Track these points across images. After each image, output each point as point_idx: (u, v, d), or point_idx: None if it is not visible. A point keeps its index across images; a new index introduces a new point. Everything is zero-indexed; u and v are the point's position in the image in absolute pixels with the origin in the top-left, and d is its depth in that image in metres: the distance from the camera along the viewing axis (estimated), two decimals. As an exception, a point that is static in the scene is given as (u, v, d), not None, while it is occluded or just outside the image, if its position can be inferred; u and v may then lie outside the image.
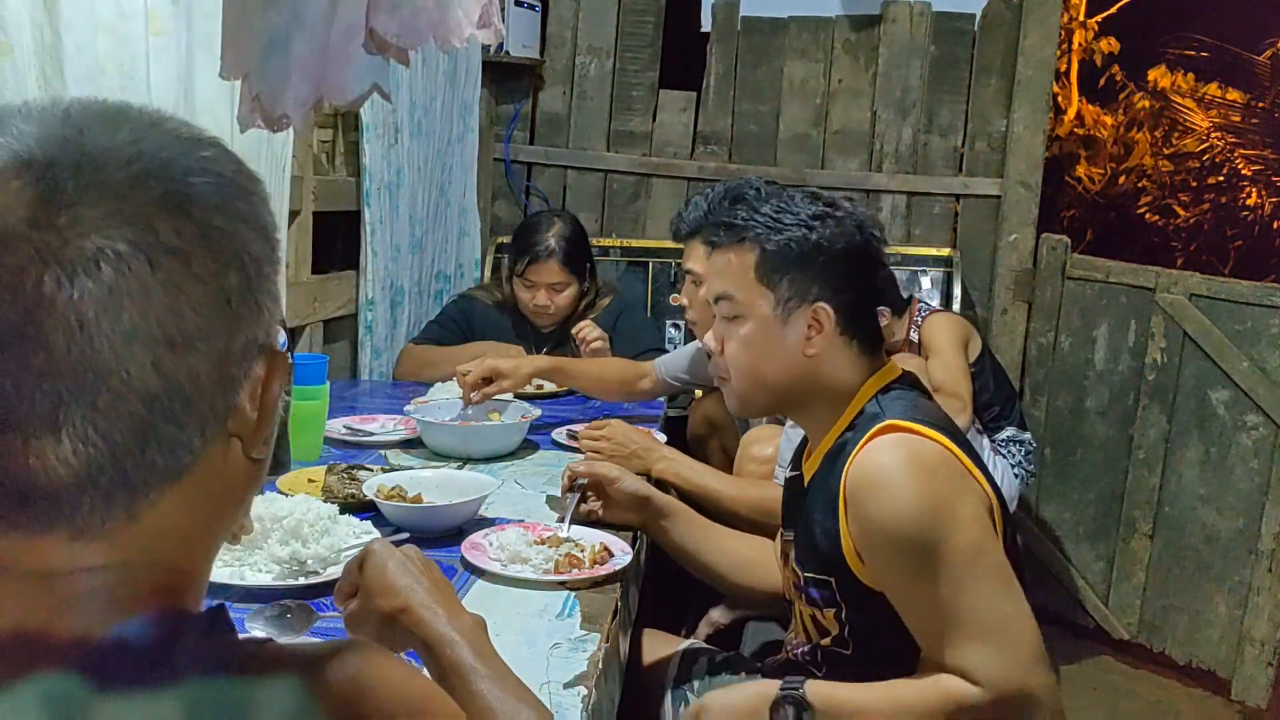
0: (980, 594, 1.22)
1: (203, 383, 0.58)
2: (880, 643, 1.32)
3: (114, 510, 0.57)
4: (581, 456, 1.95)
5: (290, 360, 0.65)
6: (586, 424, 2.08)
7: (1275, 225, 6.82)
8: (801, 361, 1.36)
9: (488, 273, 3.56)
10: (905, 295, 3.10)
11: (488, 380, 2.14)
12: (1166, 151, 7.19)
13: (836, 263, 1.35)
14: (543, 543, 1.48)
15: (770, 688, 1.27)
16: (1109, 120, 7.37)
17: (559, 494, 1.77)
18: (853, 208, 1.42)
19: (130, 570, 0.59)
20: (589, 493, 1.63)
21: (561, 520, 1.57)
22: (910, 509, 1.22)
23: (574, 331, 2.60)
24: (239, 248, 0.59)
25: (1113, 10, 7.39)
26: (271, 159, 2.23)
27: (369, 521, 1.49)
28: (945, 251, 3.54)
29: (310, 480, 1.71)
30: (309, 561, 1.34)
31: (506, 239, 3.30)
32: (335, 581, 1.00)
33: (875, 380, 1.37)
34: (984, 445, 2.93)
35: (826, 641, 1.37)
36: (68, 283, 0.53)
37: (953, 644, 1.22)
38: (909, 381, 1.40)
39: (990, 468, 2.86)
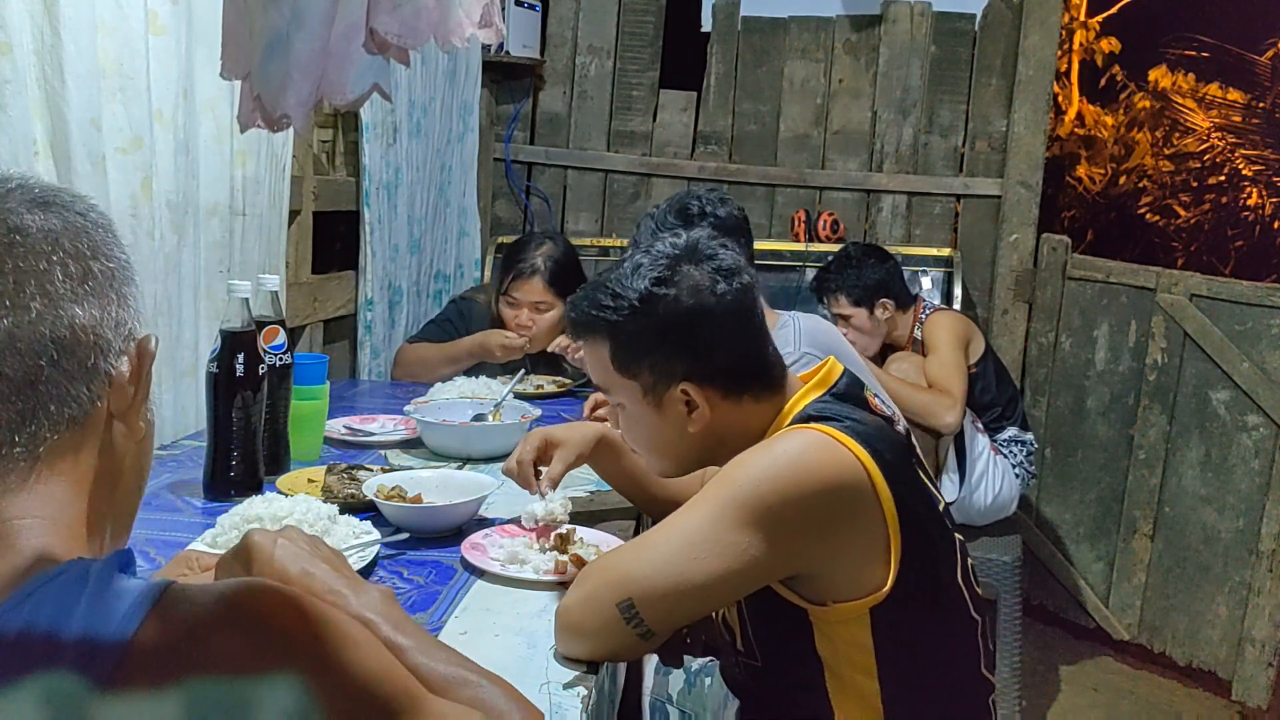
0: (679, 528, 1.18)
1: (80, 337, 0.70)
2: (786, 653, 1.27)
3: (19, 445, 0.68)
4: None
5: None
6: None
7: (1276, 225, 6.82)
8: (690, 436, 1.28)
9: (487, 273, 3.55)
10: (910, 293, 3.10)
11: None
12: (1167, 152, 7.19)
13: (690, 334, 1.24)
14: (549, 546, 1.48)
15: None
16: (1109, 120, 7.37)
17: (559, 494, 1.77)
18: (703, 249, 1.28)
19: (47, 524, 0.69)
20: (543, 460, 1.59)
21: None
22: (749, 459, 1.18)
23: (555, 347, 2.54)
24: (99, 245, 0.73)
25: (1113, 10, 7.39)
26: (271, 159, 2.23)
27: (369, 521, 1.49)
28: (946, 251, 3.54)
29: (310, 480, 1.71)
30: (309, 561, 1.34)
31: (506, 239, 3.30)
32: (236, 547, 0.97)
33: (789, 408, 1.28)
34: (985, 445, 2.93)
35: (741, 648, 1.34)
36: None
37: (622, 550, 1.25)
38: (840, 391, 1.29)
39: (991, 468, 2.90)
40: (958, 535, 1.29)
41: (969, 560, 1.29)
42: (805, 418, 1.24)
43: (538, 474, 1.58)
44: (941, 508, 1.29)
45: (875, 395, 1.34)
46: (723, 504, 1.16)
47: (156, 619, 0.62)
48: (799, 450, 1.17)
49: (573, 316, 1.32)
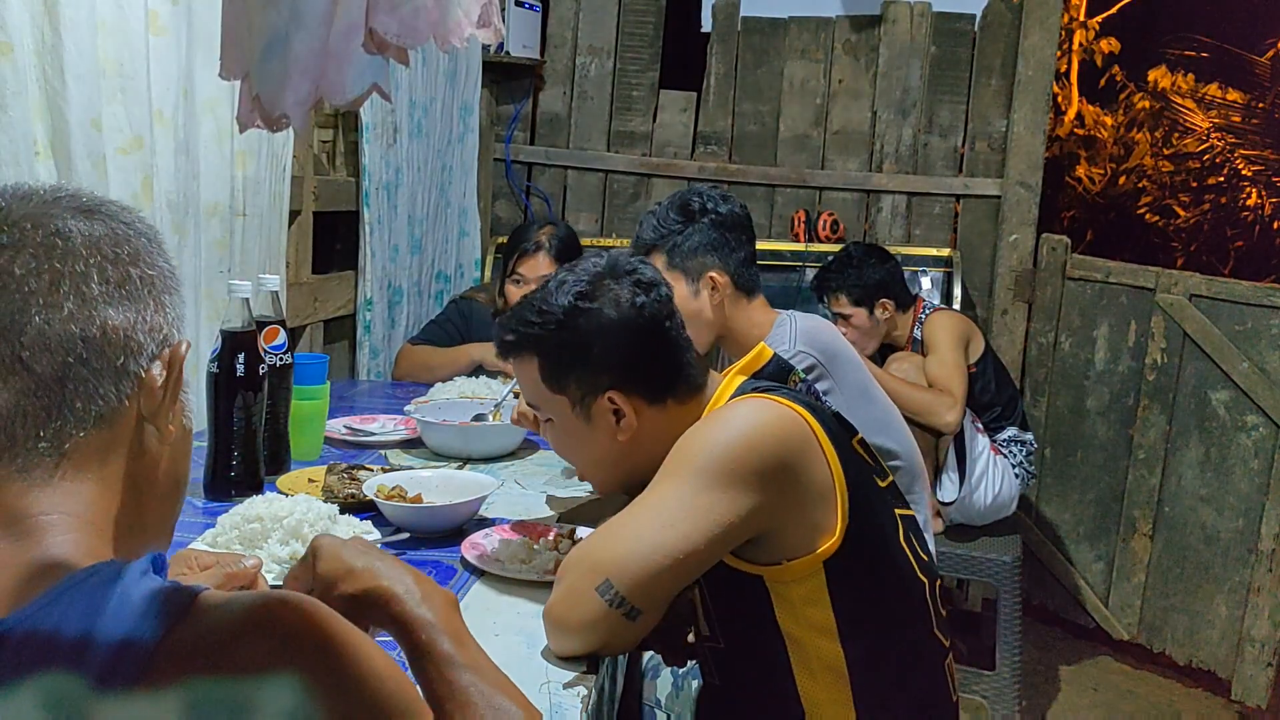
0: (645, 503, 1.21)
1: (110, 338, 0.71)
2: (748, 632, 1.29)
3: (44, 441, 0.69)
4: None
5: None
6: None
7: (1275, 225, 6.82)
8: (620, 446, 1.33)
9: (488, 273, 3.55)
10: (910, 294, 3.11)
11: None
12: (1166, 152, 7.19)
13: (614, 346, 1.30)
14: (549, 546, 1.48)
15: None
16: (1109, 120, 7.37)
17: (559, 494, 1.77)
18: (622, 265, 1.34)
19: (72, 521, 0.69)
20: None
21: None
22: (700, 430, 1.24)
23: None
24: (141, 252, 0.74)
25: (1113, 10, 7.40)
26: (272, 159, 2.23)
27: (369, 521, 1.49)
28: (945, 252, 3.54)
29: (310, 480, 1.71)
30: (309, 561, 1.34)
31: (506, 239, 3.30)
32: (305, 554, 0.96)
33: (717, 398, 1.35)
34: (985, 445, 2.93)
35: (706, 631, 1.35)
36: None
37: (602, 531, 1.24)
38: (766, 374, 1.36)
39: (991, 468, 2.90)
40: (899, 510, 1.34)
41: (912, 534, 1.34)
42: (739, 394, 1.31)
43: None
44: (886, 484, 1.35)
45: (796, 383, 1.39)
46: (683, 473, 1.21)
47: (184, 626, 0.62)
48: (746, 412, 1.24)
49: (501, 336, 1.37)
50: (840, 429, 1.31)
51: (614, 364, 1.30)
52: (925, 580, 1.32)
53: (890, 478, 1.37)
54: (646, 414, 1.32)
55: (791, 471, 1.21)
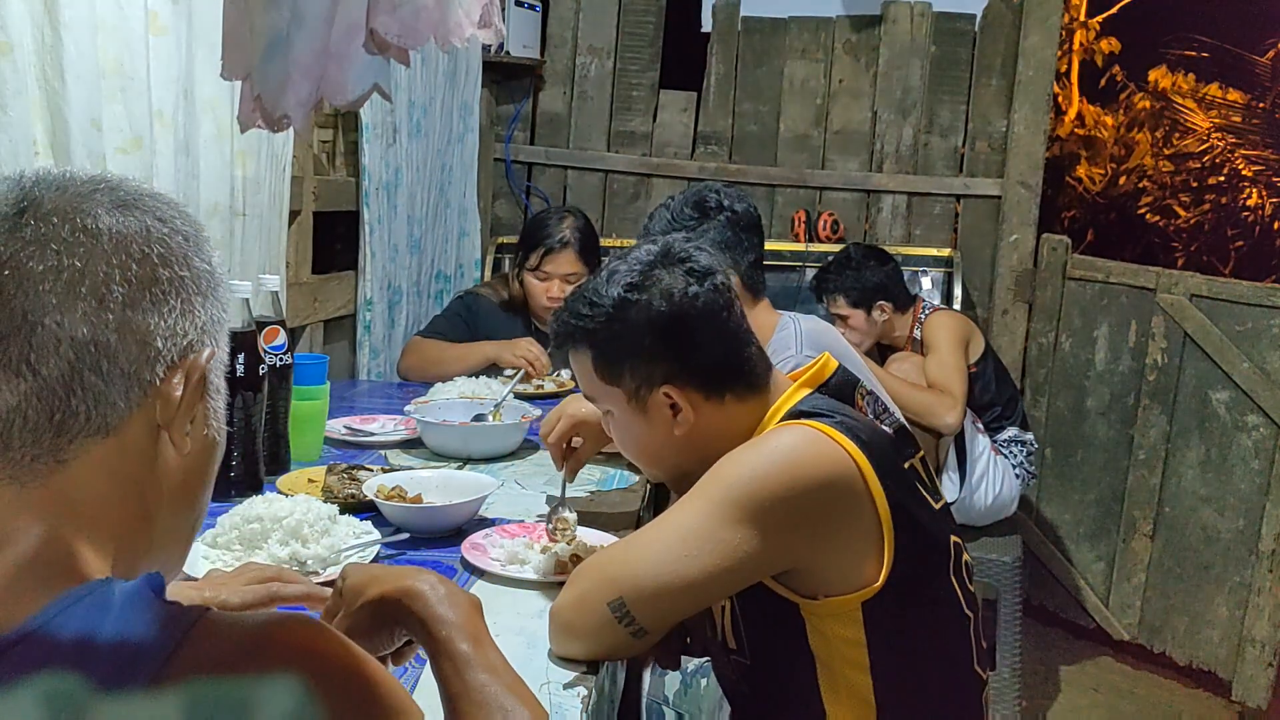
0: (670, 526, 1.18)
1: (126, 343, 0.67)
2: (777, 649, 1.27)
3: (41, 448, 0.66)
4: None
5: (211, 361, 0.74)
6: None
7: (1276, 226, 6.82)
8: (677, 440, 1.28)
9: (488, 273, 3.55)
10: (909, 295, 3.11)
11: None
12: (1167, 152, 7.19)
13: (667, 337, 1.25)
14: (546, 543, 1.48)
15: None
16: (1109, 121, 7.37)
17: (559, 494, 1.77)
18: (675, 252, 1.29)
19: (71, 531, 0.66)
20: (574, 438, 1.62)
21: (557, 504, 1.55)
22: (740, 455, 1.19)
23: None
24: (174, 251, 0.71)
25: (1114, 10, 7.39)
26: (272, 159, 2.23)
27: (369, 521, 1.49)
28: (946, 252, 3.54)
29: (310, 480, 1.71)
30: (309, 561, 1.34)
31: (506, 239, 3.30)
32: (335, 581, 0.99)
33: (779, 406, 1.29)
34: (985, 446, 2.93)
35: (733, 645, 1.34)
36: (16, 244, 0.66)
37: (618, 547, 1.24)
38: (832, 389, 1.31)
39: (991, 468, 2.90)
40: (954, 536, 1.29)
41: (964, 558, 1.30)
42: (796, 414, 1.25)
43: (570, 451, 1.62)
44: (939, 506, 1.29)
45: (863, 396, 1.35)
46: (714, 501, 1.16)
47: (188, 643, 0.60)
48: (790, 446, 1.18)
49: (555, 329, 1.34)
50: (895, 454, 1.24)
51: (667, 356, 1.26)
52: (971, 615, 1.27)
53: (944, 499, 1.32)
54: (704, 409, 1.27)
55: (828, 516, 1.16)
